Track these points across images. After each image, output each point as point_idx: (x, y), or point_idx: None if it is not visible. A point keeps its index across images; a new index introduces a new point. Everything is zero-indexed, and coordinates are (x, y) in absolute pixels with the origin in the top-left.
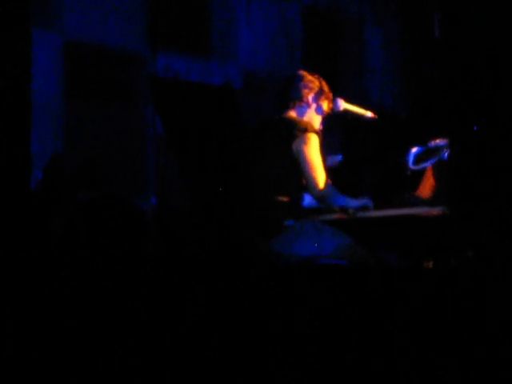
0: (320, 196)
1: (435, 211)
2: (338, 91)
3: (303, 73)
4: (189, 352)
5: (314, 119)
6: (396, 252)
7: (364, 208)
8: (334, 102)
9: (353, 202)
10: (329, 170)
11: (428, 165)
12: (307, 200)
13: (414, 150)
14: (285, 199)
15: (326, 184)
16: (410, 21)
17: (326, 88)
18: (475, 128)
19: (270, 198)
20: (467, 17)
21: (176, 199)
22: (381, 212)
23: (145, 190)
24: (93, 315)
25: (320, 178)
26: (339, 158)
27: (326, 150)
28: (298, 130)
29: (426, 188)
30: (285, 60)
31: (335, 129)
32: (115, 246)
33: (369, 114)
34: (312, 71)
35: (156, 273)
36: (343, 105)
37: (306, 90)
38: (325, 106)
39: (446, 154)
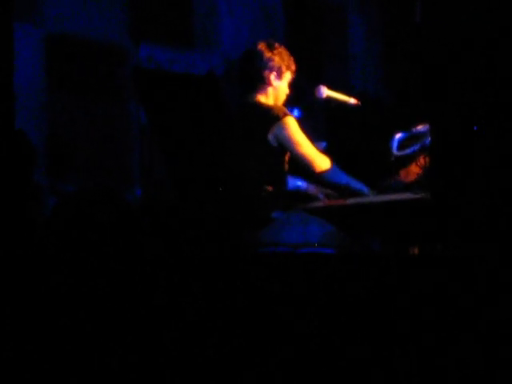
0: (320, 174)
1: (419, 197)
2: (321, 78)
3: (261, 48)
4: (184, 347)
5: (281, 96)
6: (381, 238)
7: (362, 192)
8: (317, 89)
9: (356, 183)
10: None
11: (412, 151)
12: (291, 183)
13: (398, 135)
14: (269, 190)
15: (326, 162)
16: (392, 7)
17: (286, 59)
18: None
19: (254, 189)
20: (449, 1)
21: (161, 190)
22: (365, 198)
23: (130, 181)
24: (83, 311)
25: (315, 157)
26: (323, 145)
27: (310, 138)
28: (270, 119)
29: (411, 173)
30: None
31: (319, 116)
32: (102, 238)
33: (352, 100)
34: (294, 58)
35: (143, 265)
36: (326, 92)
37: (266, 71)
38: (288, 77)
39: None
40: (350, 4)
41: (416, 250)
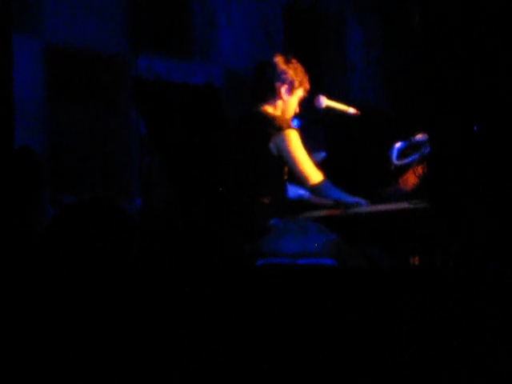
0: (314, 189)
1: (419, 205)
2: (320, 88)
3: (277, 60)
4: (180, 357)
5: (289, 110)
6: (382, 248)
7: (357, 205)
8: (316, 99)
9: (348, 197)
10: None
11: (411, 160)
12: (293, 192)
13: (398, 145)
14: (267, 199)
15: (319, 176)
16: (390, 15)
17: (300, 75)
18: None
19: (252, 197)
20: (447, 10)
21: (161, 200)
22: (366, 208)
23: (129, 191)
24: (80, 320)
25: (310, 171)
26: (323, 154)
27: (309, 147)
28: (274, 129)
29: (409, 182)
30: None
31: (318, 126)
32: (101, 248)
33: (351, 110)
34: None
35: (142, 275)
36: (326, 102)
37: (278, 83)
38: (300, 94)
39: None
40: (348, 13)
41: (416, 260)
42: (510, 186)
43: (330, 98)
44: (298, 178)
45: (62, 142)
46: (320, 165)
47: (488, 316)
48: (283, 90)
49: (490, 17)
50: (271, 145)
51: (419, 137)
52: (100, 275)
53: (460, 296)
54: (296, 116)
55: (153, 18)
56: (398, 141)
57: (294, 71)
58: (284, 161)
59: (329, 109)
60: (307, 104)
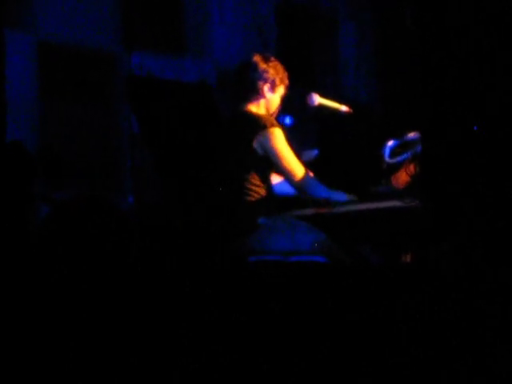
0: (300, 187)
1: (411, 204)
2: (312, 86)
3: (256, 60)
4: (171, 355)
5: (272, 108)
6: (372, 246)
7: (346, 202)
8: (308, 97)
9: (336, 195)
10: (305, 165)
11: (404, 158)
12: (282, 189)
13: (390, 143)
14: (254, 196)
15: (305, 174)
16: (383, 15)
17: (280, 72)
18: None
19: (239, 195)
20: (441, 7)
21: (153, 197)
22: (356, 206)
23: (121, 188)
24: (74, 315)
25: (296, 168)
26: (315, 152)
27: (301, 145)
28: (258, 127)
29: (401, 181)
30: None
31: (310, 124)
32: (95, 245)
33: (343, 108)
34: (286, 66)
35: (136, 271)
36: (318, 100)
37: (260, 82)
38: (281, 91)
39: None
40: (341, 12)
41: (408, 258)
42: (501, 182)
43: (323, 95)
44: (284, 176)
45: (53, 139)
46: (312, 163)
47: (486, 315)
48: (266, 88)
49: (486, 12)
50: (255, 144)
51: (411, 135)
52: (93, 270)
53: (456, 295)
54: (288, 114)
55: (146, 15)
56: (390, 139)
57: (274, 69)
58: (269, 159)
59: (321, 107)
60: (299, 102)
